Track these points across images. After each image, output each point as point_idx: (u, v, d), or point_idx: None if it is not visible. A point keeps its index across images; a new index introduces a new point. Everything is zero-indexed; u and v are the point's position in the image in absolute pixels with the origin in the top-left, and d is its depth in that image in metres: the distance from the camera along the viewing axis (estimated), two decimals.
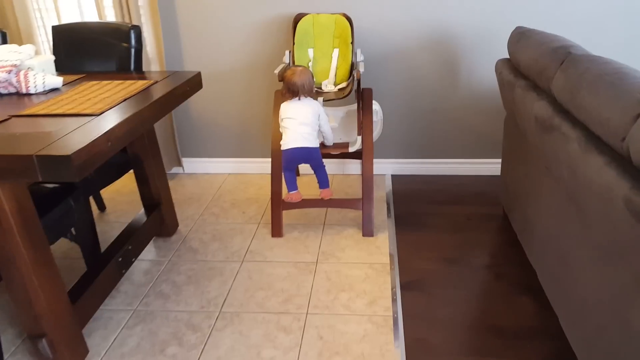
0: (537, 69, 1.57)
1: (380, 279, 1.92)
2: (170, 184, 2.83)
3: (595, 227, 1.18)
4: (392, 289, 1.85)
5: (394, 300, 1.80)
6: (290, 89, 2.02)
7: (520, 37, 1.83)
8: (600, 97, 1.09)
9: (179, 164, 2.89)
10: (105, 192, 2.72)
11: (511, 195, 2.07)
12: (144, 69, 2.58)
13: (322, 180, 2.15)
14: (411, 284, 1.89)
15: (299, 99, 2.03)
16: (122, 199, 2.69)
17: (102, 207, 2.59)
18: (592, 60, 1.24)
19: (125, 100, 1.66)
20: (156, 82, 1.91)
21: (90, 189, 1.95)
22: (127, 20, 2.48)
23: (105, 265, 1.83)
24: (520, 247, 2.07)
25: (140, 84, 1.85)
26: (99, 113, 1.51)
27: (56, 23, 2.57)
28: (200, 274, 2.03)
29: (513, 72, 1.82)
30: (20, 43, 2.60)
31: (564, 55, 1.40)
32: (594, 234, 1.20)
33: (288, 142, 2.03)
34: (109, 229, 2.41)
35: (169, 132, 2.78)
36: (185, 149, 2.89)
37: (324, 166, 2.12)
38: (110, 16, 2.51)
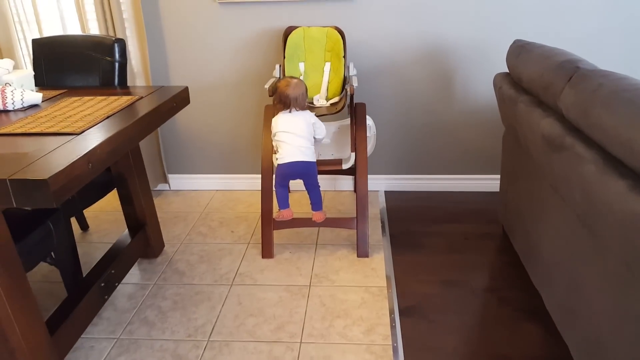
0: (542, 84, 1.51)
1: (377, 304, 1.83)
2: (156, 201, 2.72)
3: (612, 254, 1.11)
4: (390, 315, 1.77)
5: (392, 327, 1.71)
6: (282, 101, 1.95)
7: (520, 50, 1.78)
8: (619, 115, 1.03)
9: (165, 180, 2.78)
10: (88, 211, 2.60)
11: (512, 213, 2.00)
12: (129, 83, 2.48)
13: (316, 201, 2.06)
14: (410, 310, 1.80)
15: (290, 112, 1.96)
16: (105, 217, 2.57)
17: (84, 226, 2.47)
18: (604, 75, 1.18)
19: (108, 117, 1.56)
20: (141, 97, 1.81)
21: (71, 210, 1.84)
22: (111, 33, 2.39)
23: (87, 291, 1.72)
24: (523, 268, 2.00)
25: (124, 100, 1.75)
26: (80, 132, 1.41)
27: (37, 36, 2.47)
28: (187, 298, 1.92)
29: (514, 87, 1.77)
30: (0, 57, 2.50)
31: (571, 70, 1.34)
32: (610, 261, 1.13)
33: (284, 156, 1.95)
34: (91, 250, 2.29)
35: (155, 148, 2.68)
36: (172, 165, 2.79)
37: (319, 186, 2.04)
38: (94, 29, 2.42)
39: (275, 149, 2.01)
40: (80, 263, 2.15)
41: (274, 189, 2.06)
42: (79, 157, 1.22)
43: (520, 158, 1.85)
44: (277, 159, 1.98)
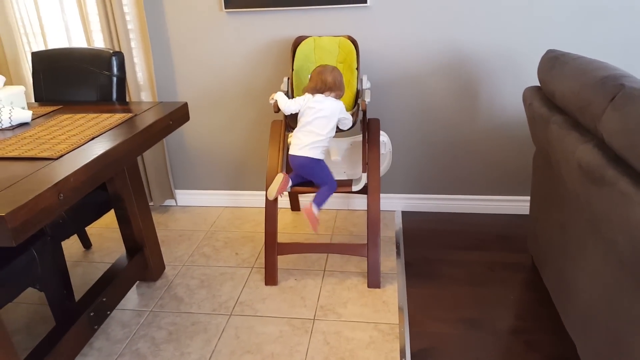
0: (579, 103, 1.31)
1: (387, 345, 1.65)
2: (162, 217, 2.61)
3: None
4: None
5: None
6: (317, 87, 1.87)
7: (554, 62, 1.58)
8: None
9: (172, 196, 2.67)
10: (92, 228, 2.51)
11: (542, 246, 1.79)
12: (134, 96, 2.38)
13: (319, 198, 1.87)
14: (424, 354, 1.61)
15: (323, 95, 1.88)
16: (110, 235, 2.48)
17: (87, 244, 2.37)
18: None
19: (93, 139, 1.45)
20: (135, 115, 1.70)
21: (61, 234, 1.74)
22: (116, 45, 2.29)
23: (75, 321, 1.61)
24: (554, 307, 1.78)
25: (116, 119, 1.64)
26: (57, 157, 1.30)
27: (43, 48, 2.40)
28: (182, 329, 1.79)
29: (546, 104, 1.57)
30: (6, 69, 2.44)
31: (615, 89, 1.14)
32: None
33: (293, 145, 1.88)
34: (91, 270, 2.19)
35: (161, 163, 2.57)
36: (179, 181, 2.68)
37: (328, 184, 1.88)
38: (99, 41, 2.32)
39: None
40: (79, 284, 2.07)
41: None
42: (46, 188, 1.10)
43: (552, 183, 1.65)
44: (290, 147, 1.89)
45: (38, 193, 1.07)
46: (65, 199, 1.16)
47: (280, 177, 1.88)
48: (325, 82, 1.86)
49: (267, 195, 1.90)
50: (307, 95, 1.89)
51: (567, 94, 1.41)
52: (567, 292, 1.52)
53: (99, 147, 1.37)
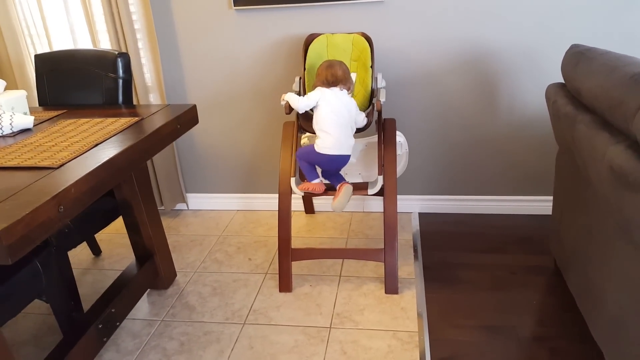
0: (609, 102, 1.22)
1: (406, 354, 1.58)
2: (174, 222, 2.56)
3: None
4: None
5: None
6: (327, 80, 1.80)
7: (579, 58, 1.49)
8: None
9: (183, 200, 2.62)
10: (101, 234, 2.47)
11: (566, 249, 1.70)
12: (142, 98, 2.33)
13: (339, 179, 1.86)
14: None
15: (336, 89, 1.81)
16: (120, 240, 2.43)
17: (97, 251, 2.33)
18: None
19: (96, 145, 1.39)
20: (142, 119, 1.64)
21: (68, 244, 1.69)
22: (122, 46, 2.24)
23: (83, 334, 1.56)
24: (579, 313, 1.69)
25: (121, 123, 1.58)
26: (58, 165, 1.24)
27: (48, 50, 2.36)
28: (194, 339, 1.73)
29: (572, 102, 1.47)
30: (10, 72, 2.40)
31: None
32: None
33: (327, 146, 1.77)
34: (101, 278, 2.15)
35: (172, 166, 2.52)
36: (190, 184, 2.63)
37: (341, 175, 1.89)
38: (105, 42, 2.28)
39: (314, 124, 1.82)
40: (88, 293, 2.03)
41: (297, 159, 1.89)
42: (45, 200, 1.05)
43: (578, 185, 1.55)
44: (317, 144, 1.78)
45: (36, 206, 1.02)
46: (65, 212, 1.10)
47: (321, 188, 1.84)
48: (336, 76, 1.80)
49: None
50: (322, 89, 1.81)
51: (596, 92, 1.32)
52: (594, 299, 1.43)
53: (102, 155, 1.32)
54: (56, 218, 1.07)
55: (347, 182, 1.84)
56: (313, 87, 1.85)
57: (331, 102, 1.77)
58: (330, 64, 1.83)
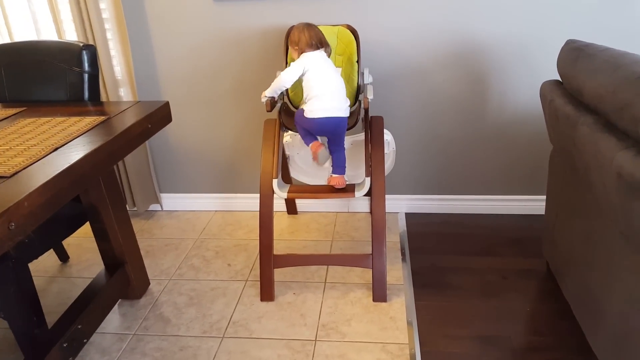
0: (615, 103, 1.14)
1: None
2: (147, 224, 2.42)
3: None
4: None
5: None
6: (310, 43, 1.69)
7: (577, 54, 1.40)
8: None
9: (157, 200, 2.48)
10: (69, 237, 2.31)
11: (561, 254, 1.63)
12: (112, 93, 2.17)
13: (339, 164, 1.75)
14: None
15: (321, 51, 1.72)
16: (89, 245, 2.28)
17: (64, 257, 2.17)
18: None
19: (56, 150, 1.25)
20: (109, 117, 1.50)
21: (28, 256, 1.54)
22: (89, 36, 2.08)
23: (46, 354, 1.43)
24: (574, 320, 1.63)
25: (86, 123, 1.44)
26: (11, 174, 1.10)
27: (8, 41, 2.18)
28: (169, 355, 1.61)
29: (572, 102, 1.39)
30: None
31: None
32: None
33: (317, 109, 1.66)
34: (69, 288, 2.00)
35: (145, 164, 2.37)
36: (165, 184, 2.48)
37: (344, 147, 1.77)
38: (70, 32, 2.11)
39: (305, 97, 1.71)
40: (54, 304, 1.88)
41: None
42: None
43: (576, 188, 1.48)
44: (305, 108, 1.68)
45: None
46: (17, 229, 0.97)
47: (319, 146, 1.73)
48: (319, 37, 1.72)
49: (319, 163, 1.74)
50: (307, 54, 1.70)
51: (599, 92, 1.23)
52: (593, 310, 1.36)
53: (63, 160, 1.18)
54: (5, 237, 0.93)
55: (337, 175, 1.73)
56: (298, 55, 1.73)
57: (321, 65, 1.68)
58: (307, 25, 1.74)
